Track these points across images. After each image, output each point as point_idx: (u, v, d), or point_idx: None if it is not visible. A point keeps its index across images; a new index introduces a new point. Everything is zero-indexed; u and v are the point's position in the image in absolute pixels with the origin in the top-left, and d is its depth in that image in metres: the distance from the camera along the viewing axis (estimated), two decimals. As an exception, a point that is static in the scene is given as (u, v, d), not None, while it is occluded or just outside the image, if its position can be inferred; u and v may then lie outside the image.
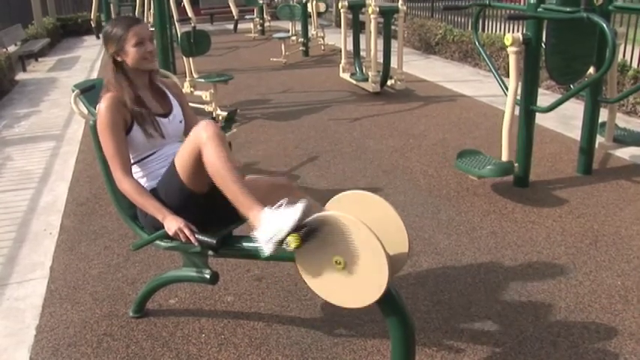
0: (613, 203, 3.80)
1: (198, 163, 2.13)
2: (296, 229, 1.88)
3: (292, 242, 1.88)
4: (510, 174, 3.99)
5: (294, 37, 10.74)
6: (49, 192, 4.46)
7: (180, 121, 2.53)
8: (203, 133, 2.10)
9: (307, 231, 1.91)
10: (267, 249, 1.94)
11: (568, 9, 3.58)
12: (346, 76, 7.72)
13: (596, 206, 3.77)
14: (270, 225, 1.92)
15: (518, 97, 4.00)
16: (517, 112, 4.07)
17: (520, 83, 3.91)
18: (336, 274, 1.95)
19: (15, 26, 11.27)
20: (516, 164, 4.00)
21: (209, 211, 2.30)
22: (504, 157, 3.95)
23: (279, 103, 6.89)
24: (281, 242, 1.90)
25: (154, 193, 2.34)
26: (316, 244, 1.94)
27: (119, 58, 2.36)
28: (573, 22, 3.60)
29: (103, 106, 2.32)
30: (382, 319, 2.24)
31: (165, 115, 2.46)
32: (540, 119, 4.91)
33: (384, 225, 2.08)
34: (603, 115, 4.38)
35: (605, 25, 3.34)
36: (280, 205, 1.96)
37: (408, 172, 4.48)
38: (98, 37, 11.56)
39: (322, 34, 10.67)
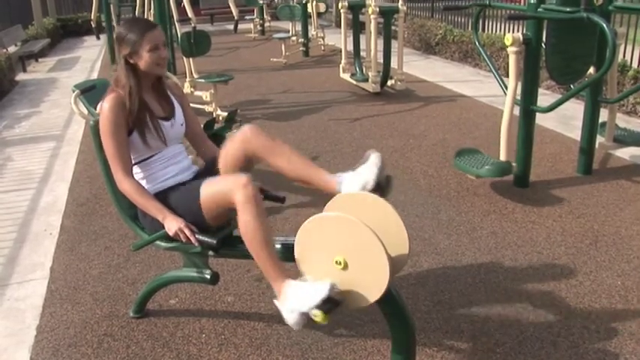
0: (613, 203, 3.80)
1: (222, 211, 2.17)
2: (322, 306, 1.89)
3: (318, 317, 1.90)
4: (508, 174, 3.99)
5: (294, 38, 10.75)
6: (50, 192, 4.46)
7: (182, 124, 2.52)
8: (239, 195, 2.07)
9: (332, 306, 1.93)
10: (290, 319, 1.96)
11: (568, 9, 3.59)
12: (346, 76, 7.72)
13: (597, 206, 3.77)
14: (295, 299, 1.94)
15: (518, 97, 4.01)
16: (517, 112, 4.08)
17: (520, 83, 3.91)
18: (336, 275, 1.95)
19: (15, 27, 11.28)
20: (514, 164, 4.00)
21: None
22: (502, 157, 3.95)
23: (280, 103, 6.90)
24: (306, 314, 1.92)
25: (160, 197, 2.34)
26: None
27: (132, 61, 2.35)
28: (573, 22, 3.61)
29: (106, 105, 2.31)
30: (382, 320, 2.24)
31: (168, 118, 2.46)
32: (540, 119, 4.91)
33: (384, 225, 2.08)
34: (603, 115, 4.38)
35: (605, 25, 3.34)
36: (305, 279, 1.99)
37: (408, 173, 4.48)
38: (98, 38, 11.54)
39: (322, 35, 10.68)
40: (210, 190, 2.20)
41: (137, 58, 2.33)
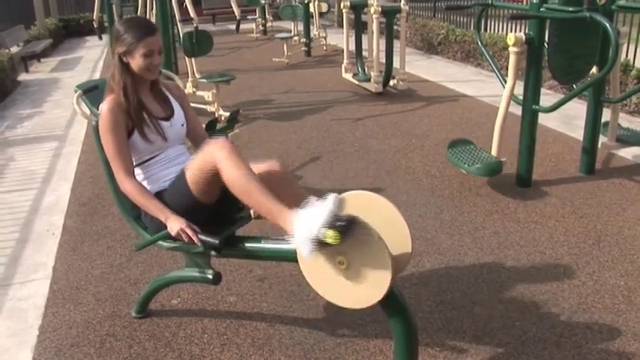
0: (616, 203, 3.79)
1: (210, 179, 2.15)
2: (331, 223, 1.80)
3: (329, 237, 1.79)
4: (498, 173, 3.98)
5: (296, 38, 10.75)
6: (52, 192, 4.47)
7: (182, 125, 2.52)
8: (219, 154, 2.09)
9: (343, 225, 1.81)
10: (304, 250, 1.86)
11: (571, 8, 3.58)
12: (348, 76, 7.72)
13: (599, 206, 3.76)
14: (304, 223, 1.85)
15: (520, 97, 4.01)
16: (519, 112, 4.08)
17: (520, 82, 3.91)
18: (339, 275, 1.95)
19: (17, 27, 11.30)
20: (504, 159, 4.00)
21: (212, 213, 2.30)
22: (494, 152, 3.98)
23: (282, 103, 6.89)
24: (318, 239, 1.82)
25: (158, 196, 2.34)
26: (353, 239, 1.86)
27: (125, 60, 2.36)
28: (576, 21, 3.60)
29: (105, 107, 2.32)
30: (385, 320, 2.24)
31: (167, 119, 2.46)
32: (543, 119, 4.90)
33: (386, 225, 2.08)
34: (606, 114, 4.37)
35: (608, 25, 3.34)
36: (310, 203, 1.89)
37: (411, 172, 4.48)
38: (100, 38, 11.55)
39: (324, 35, 10.67)
40: (192, 165, 2.22)
41: (130, 58, 2.35)
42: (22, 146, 5.73)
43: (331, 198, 1.84)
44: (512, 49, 3.75)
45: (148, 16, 7.80)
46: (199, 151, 2.23)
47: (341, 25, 9.17)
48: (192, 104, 2.73)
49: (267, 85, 7.87)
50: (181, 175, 2.27)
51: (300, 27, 10.66)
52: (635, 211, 3.67)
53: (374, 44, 6.86)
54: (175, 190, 2.30)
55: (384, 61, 6.83)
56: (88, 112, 2.72)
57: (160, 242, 2.39)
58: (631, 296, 2.78)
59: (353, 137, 5.40)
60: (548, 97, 5.81)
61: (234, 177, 2.07)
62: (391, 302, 2.02)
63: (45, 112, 7.13)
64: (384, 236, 1.87)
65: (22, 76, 9.54)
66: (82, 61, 10.89)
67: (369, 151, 5.00)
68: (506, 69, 7.09)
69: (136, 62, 2.34)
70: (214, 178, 2.14)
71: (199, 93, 6.48)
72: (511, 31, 7.97)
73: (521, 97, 4.01)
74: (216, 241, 2.17)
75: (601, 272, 3.00)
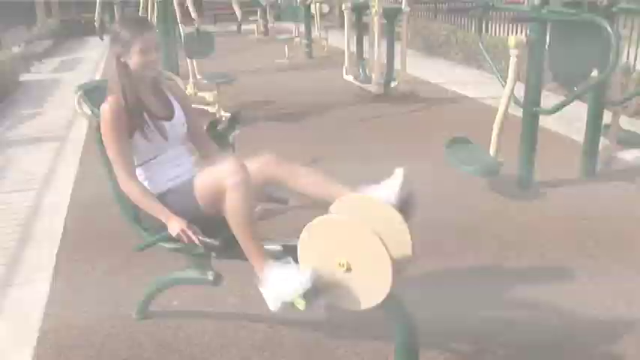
0: (617, 205, 3.79)
1: (217, 197, 2.17)
2: (303, 293, 1.95)
3: (300, 305, 1.96)
4: (495, 174, 3.98)
5: (297, 39, 10.75)
6: (53, 193, 4.46)
7: (183, 125, 2.52)
8: (231, 179, 2.12)
9: (314, 294, 1.98)
10: (273, 306, 2.05)
11: (572, 11, 3.58)
12: (350, 77, 7.71)
13: (600, 208, 3.76)
14: (279, 287, 2.01)
15: (521, 98, 4.01)
16: (520, 113, 4.08)
17: (521, 84, 3.91)
18: (339, 277, 1.95)
19: (19, 27, 11.30)
20: (501, 159, 4.00)
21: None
22: (492, 152, 3.98)
23: (283, 104, 6.90)
24: (286, 301, 1.99)
25: (161, 198, 2.34)
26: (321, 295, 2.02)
27: (123, 59, 2.36)
28: (577, 23, 3.60)
29: (106, 107, 2.32)
30: (386, 322, 2.24)
31: (168, 119, 2.46)
32: (544, 121, 4.89)
33: (387, 227, 2.08)
34: (607, 117, 4.36)
35: (609, 27, 3.34)
36: (287, 261, 2.05)
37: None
38: (102, 39, 11.55)
39: (325, 36, 10.68)
40: (202, 181, 2.24)
41: (127, 58, 2.35)
42: (23, 147, 5.73)
43: (309, 275, 1.96)
44: (512, 52, 3.75)
45: (149, 17, 7.80)
46: (211, 167, 2.24)
47: (342, 27, 9.16)
48: (193, 105, 2.73)
49: (268, 86, 7.87)
50: (189, 186, 2.28)
51: (302, 28, 10.66)
52: (636, 213, 3.66)
53: (375, 46, 6.86)
54: (182, 197, 2.30)
55: (385, 62, 6.83)
56: (89, 112, 2.72)
57: (161, 243, 2.38)
58: (632, 299, 2.78)
59: (354, 138, 5.40)
60: (549, 99, 5.80)
61: (235, 209, 2.13)
62: (392, 304, 2.02)
63: (46, 112, 7.13)
64: (384, 238, 1.87)
65: (23, 77, 9.54)
66: (83, 62, 10.90)
67: (370, 152, 5.00)
68: (507, 71, 7.09)
69: (133, 60, 2.33)
70: (223, 197, 2.16)
71: (201, 94, 6.48)
72: (512, 33, 7.97)
73: (521, 99, 4.01)
74: (217, 242, 2.18)
75: (602, 275, 3.00)
